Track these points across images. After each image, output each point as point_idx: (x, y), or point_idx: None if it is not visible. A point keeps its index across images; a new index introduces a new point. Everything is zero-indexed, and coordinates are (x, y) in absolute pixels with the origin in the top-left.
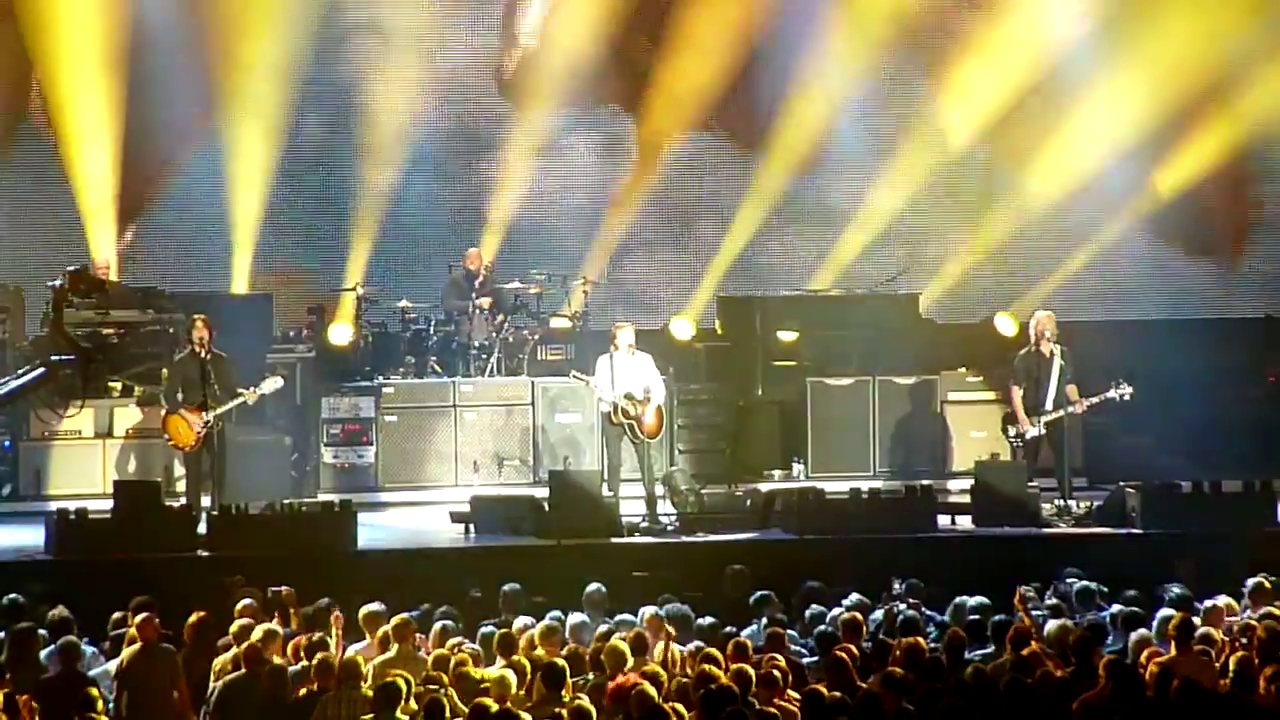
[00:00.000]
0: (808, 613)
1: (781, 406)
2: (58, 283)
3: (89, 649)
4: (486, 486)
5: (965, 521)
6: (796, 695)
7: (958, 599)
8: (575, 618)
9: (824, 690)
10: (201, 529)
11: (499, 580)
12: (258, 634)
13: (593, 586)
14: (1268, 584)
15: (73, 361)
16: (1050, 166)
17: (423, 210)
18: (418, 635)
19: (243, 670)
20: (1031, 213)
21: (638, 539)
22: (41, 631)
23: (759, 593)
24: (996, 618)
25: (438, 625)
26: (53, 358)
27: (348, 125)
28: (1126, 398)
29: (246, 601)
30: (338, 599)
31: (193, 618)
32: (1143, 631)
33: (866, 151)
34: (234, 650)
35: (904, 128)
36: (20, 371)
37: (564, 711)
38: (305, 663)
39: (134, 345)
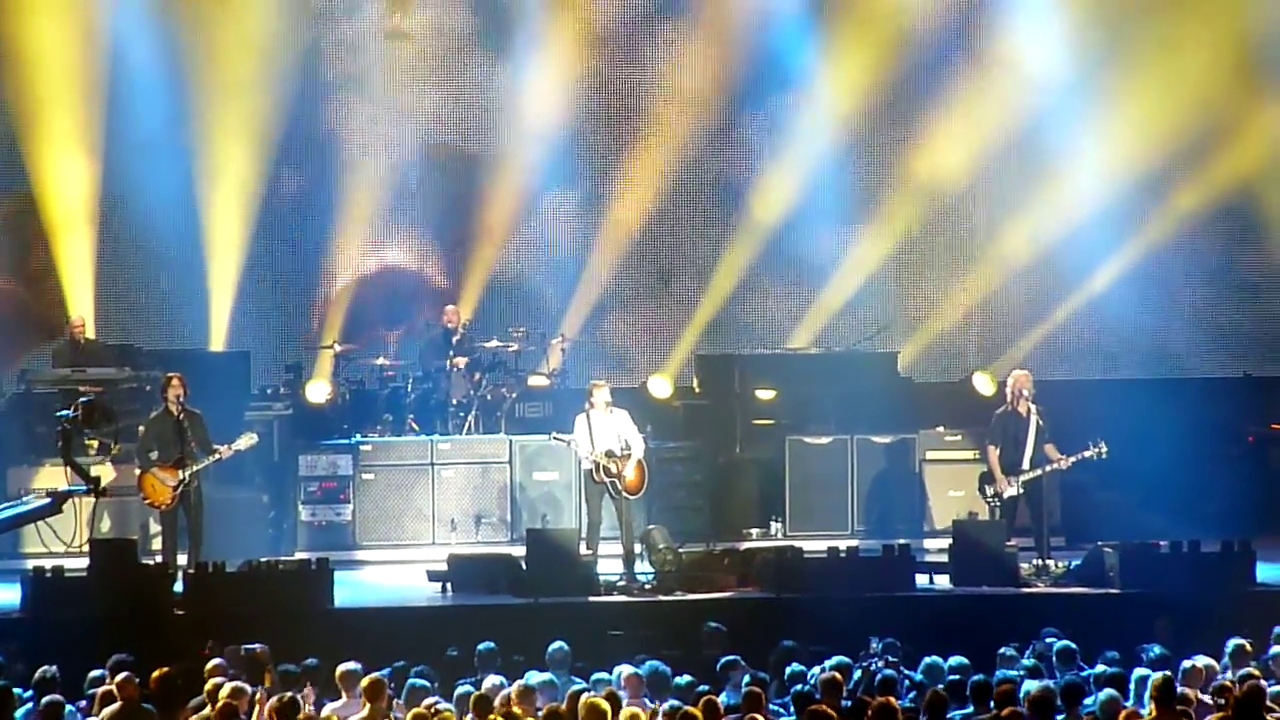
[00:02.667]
0: (787, 671)
1: (760, 465)
2: (69, 414)
3: (69, 707)
4: (464, 545)
5: (943, 581)
6: None
7: (928, 659)
8: (540, 677)
9: None
10: (178, 587)
11: (476, 639)
12: (226, 691)
13: (555, 645)
14: (1248, 646)
15: (83, 493)
16: (1029, 223)
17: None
18: (390, 695)
19: None
20: (1009, 271)
21: (615, 597)
22: (18, 691)
23: (726, 657)
24: (975, 677)
25: (412, 684)
26: (62, 490)
27: (325, 181)
28: (1103, 457)
29: (217, 662)
30: (314, 657)
31: (156, 673)
32: (1110, 691)
33: (845, 209)
34: (207, 710)
35: (882, 185)
36: (24, 500)
37: None
38: None
39: (110, 402)
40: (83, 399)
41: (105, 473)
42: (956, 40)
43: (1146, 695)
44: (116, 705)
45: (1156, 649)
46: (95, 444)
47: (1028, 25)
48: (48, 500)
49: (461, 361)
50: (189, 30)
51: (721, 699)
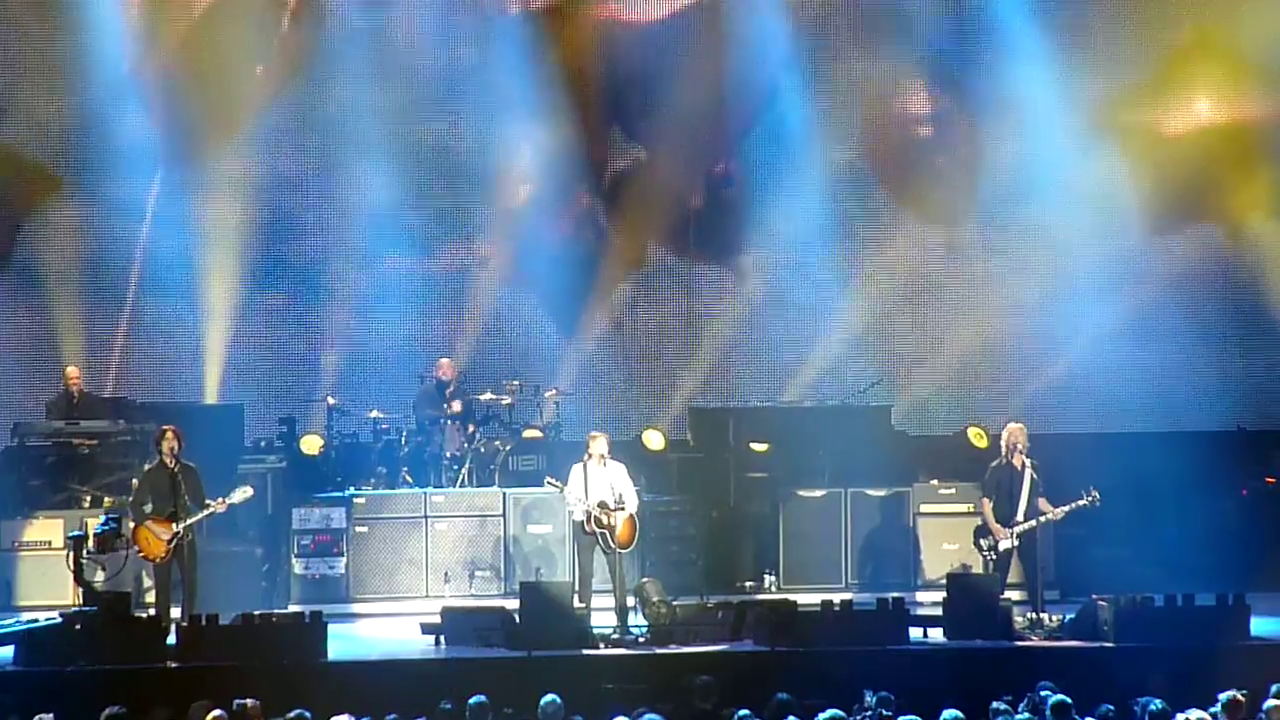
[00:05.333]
0: None
1: (754, 518)
2: (76, 534)
3: None
4: (457, 597)
5: (937, 634)
6: None
7: None
8: None
9: None
10: (171, 640)
11: (469, 692)
12: None
13: (547, 699)
14: (1240, 697)
15: (92, 613)
16: (1023, 276)
17: (395, 319)
18: None
19: None
20: (1004, 325)
21: (609, 650)
22: None
23: (740, 711)
24: None
25: None
26: (72, 611)
27: (318, 230)
28: (1097, 505)
29: (217, 713)
30: (308, 710)
31: None
32: None
33: (838, 262)
34: None
35: (877, 239)
36: (35, 620)
37: None
38: None
39: (104, 455)
40: (97, 528)
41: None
42: (947, 89)
43: None
44: None
45: (1155, 703)
46: (88, 496)
47: (1021, 72)
48: (56, 619)
49: (457, 405)
50: (182, 94)
51: None
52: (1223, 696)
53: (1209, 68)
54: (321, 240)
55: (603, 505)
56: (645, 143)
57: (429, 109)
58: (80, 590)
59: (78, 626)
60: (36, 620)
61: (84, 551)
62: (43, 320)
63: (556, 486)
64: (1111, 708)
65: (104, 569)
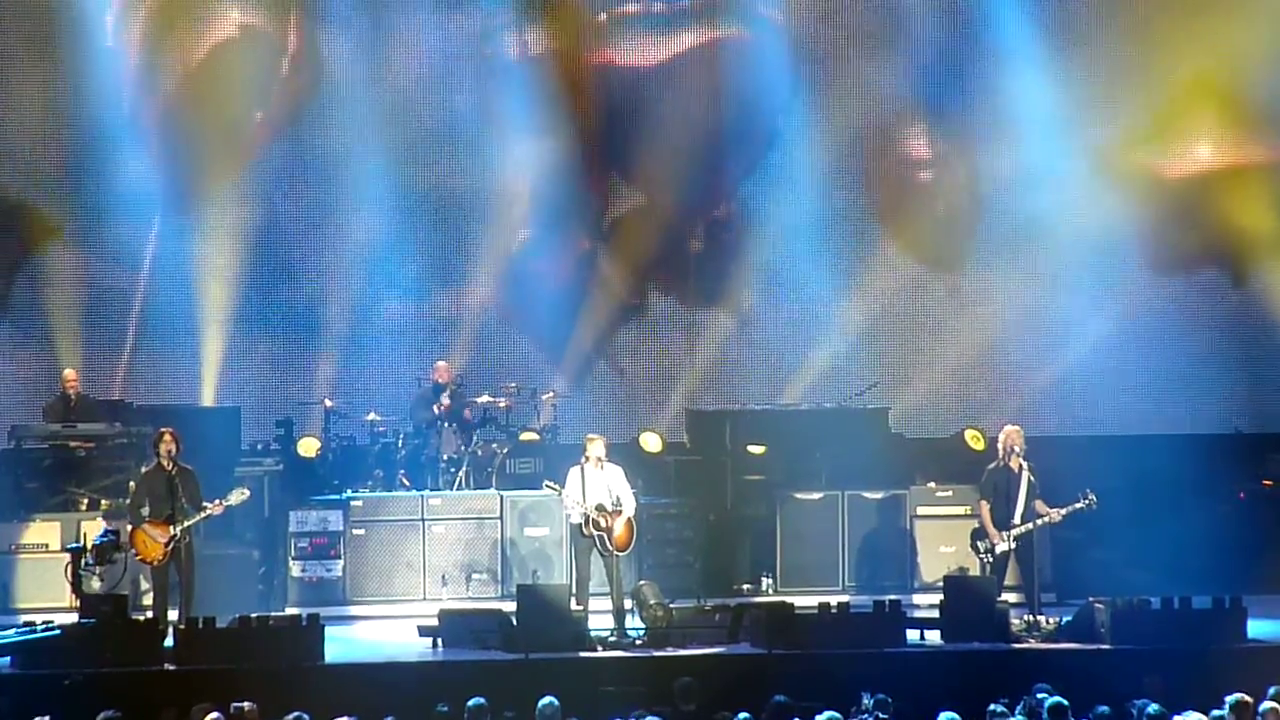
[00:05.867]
0: None
1: (751, 521)
2: (75, 546)
3: None
4: (455, 600)
5: (934, 636)
6: None
7: None
8: None
9: None
10: (168, 643)
11: (467, 695)
12: None
13: (545, 701)
14: (1248, 699)
15: (90, 625)
16: (1020, 278)
17: (392, 323)
18: None
19: None
20: (1001, 327)
21: (606, 653)
22: None
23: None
24: None
25: None
26: (71, 623)
27: (318, 236)
28: (1094, 508)
29: (213, 717)
30: (305, 713)
31: None
32: None
33: (834, 264)
34: None
35: (873, 242)
36: (34, 627)
37: None
38: None
39: (101, 458)
40: (96, 539)
41: (97, 529)
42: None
43: None
44: None
45: (1153, 706)
46: (85, 499)
47: (1011, 81)
48: (55, 629)
49: (447, 400)
50: (181, 139)
51: None
52: (1232, 698)
53: (1209, 111)
54: (319, 284)
55: (600, 508)
56: (644, 187)
57: (427, 154)
58: (78, 602)
59: (76, 640)
60: (34, 629)
61: (82, 562)
62: (41, 325)
63: (554, 489)
64: (1107, 710)
65: (102, 580)
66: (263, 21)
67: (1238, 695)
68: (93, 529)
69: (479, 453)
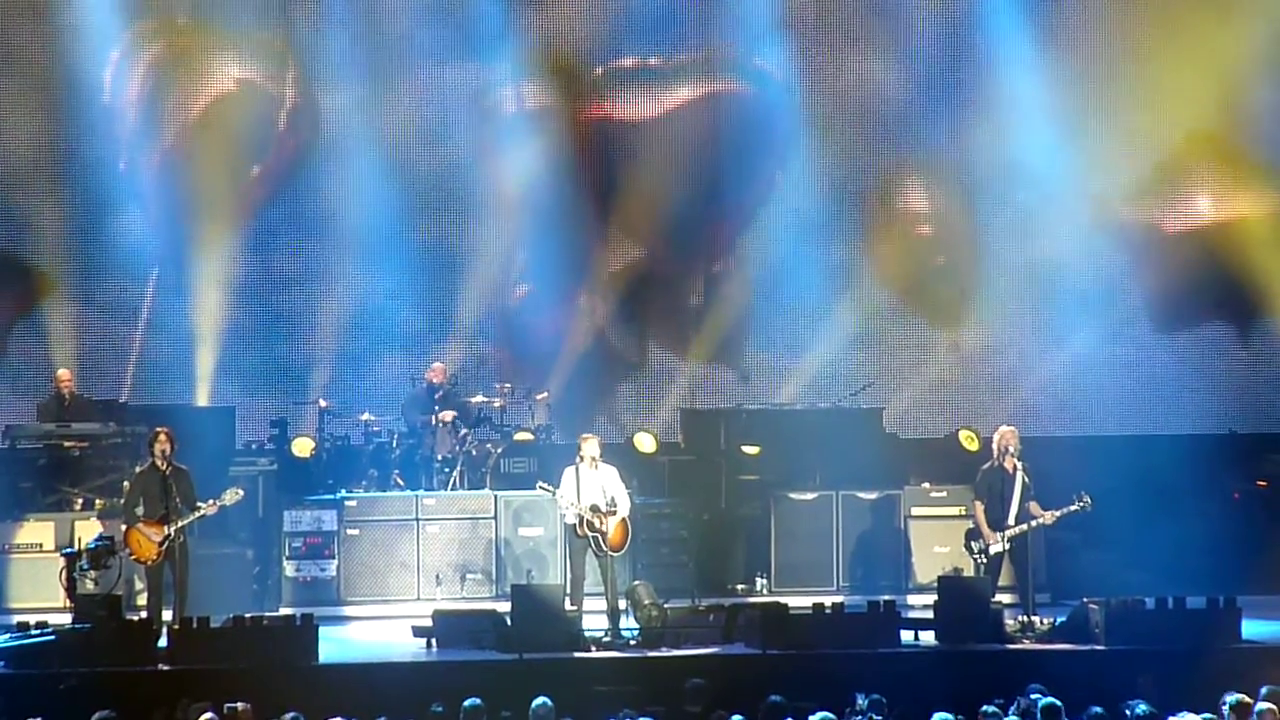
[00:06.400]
0: None
1: (745, 521)
2: (70, 550)
3: None
4: (449, 600)
5: (928, 637)
6: None
7: None
8: None
9: None
10: (162, 643)
11: (461, 695)
12: None
13: (538, 701)
14: (1247, 700)
15: (85, 629)
16: (1014, 278)
17: (387, 323)
18: None
19: None
20: (995, 327)
21: (600, 653)
22: None
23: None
24: None
25: None
26: (66, 627)
27: (315, 237)
28: (1088, 509)
29: (207, 716)
30: (299, 713)
31: None
32: None
33: (829, 264)
34: None
35: (869, 239)
36: (29, 633)
37: None
38: None
39: (95, 458)
40: (90, 543)
41: (90, 528)
42: (940, 98)
43: None
44: None
45: (1142, 706)
46: (79, 499)
47: (1010, 81)
48: (49, 634)
49: (448, 416)
50: (175, 147)
51: None
52: (1231, 698)
53: (1209, 165)
54: (316, 339)
55: (595, 509)
56: (643, 241)
57: (425, 208)
58: (73, 606)
59: (70, 644)
60: (28, 634)
61: (76, 567)
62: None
63: (548, 490)
64: (1100, 710)
65: (96, 584)
66: (260, 76)
67: (1236, 695)
68: (87, 529)
69: (473, 452)
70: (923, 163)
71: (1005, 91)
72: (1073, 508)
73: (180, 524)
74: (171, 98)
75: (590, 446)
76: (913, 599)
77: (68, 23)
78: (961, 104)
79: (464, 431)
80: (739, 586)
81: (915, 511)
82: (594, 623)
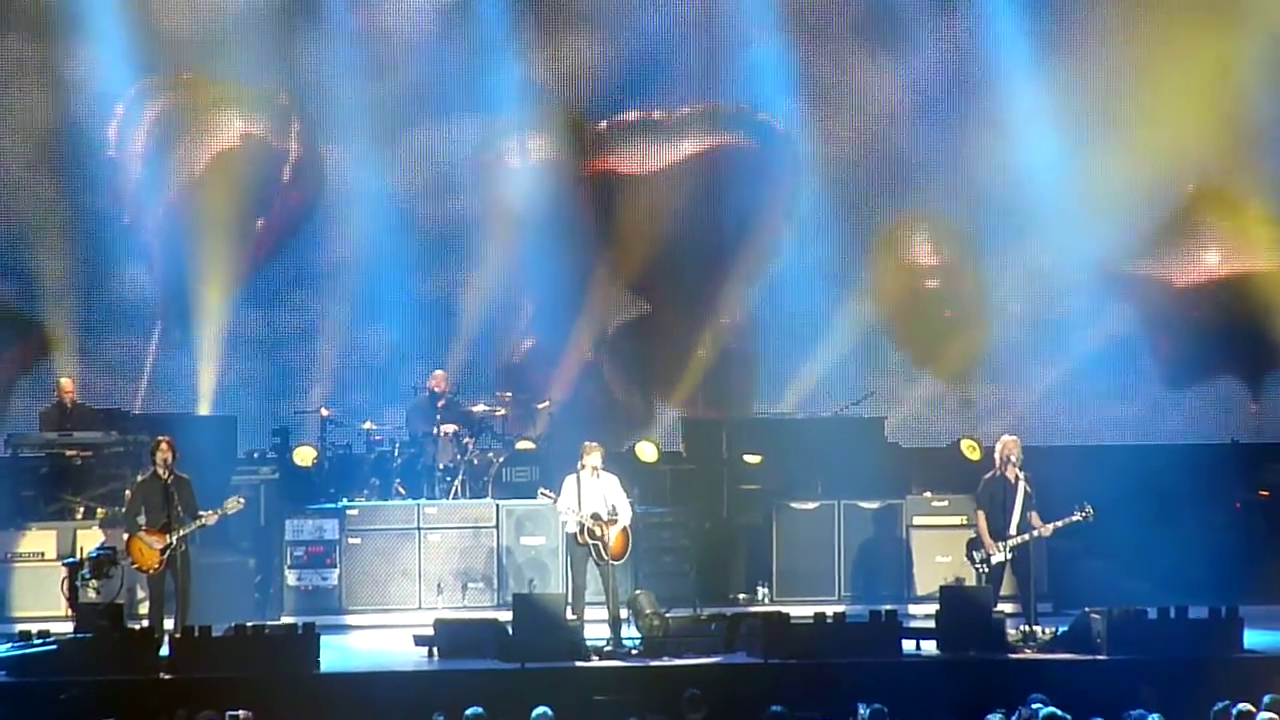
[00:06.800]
0: None
1: (747, 530)
2: (71, 560)
3: None
4: (450, 609)
5: (930, 646)
6: None
7: None
8: None
9: None
10: (164, 651)
11: (462, 704)
12: None
13: (539, 711)
14: (1251, 709)
15: (87, 640)
16: (1017, 287)
17: (389, 332)
18: None
19: None
20: (998, 336)
21: (602, 662)
22: None
23: None
24: None
25: None
26: (67, 637)
27: (314, 247)
28: (1090, 520)
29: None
30: None
31: None
32: None
33: (832, 274)
34: None
35: (871, 251)
36: (32, 643)
37: None
38: None
39: (97, 466)
40: (92, 552)
41: (92, 537)
42: (943, 109)
43: None
44: None
45: (1147, 717)
46: (81, 508)
47: (1013, 94)
48: (51, 644)
49: (450, 429)
50: (180, 202)
51: None
52: (1236, 709)
53: (1216, 219)
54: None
55: (596, 517)
56: (648, 295)
57: (429, 264)
58: (75, 615)
59: (72, 654)
60: (30, 644)
61: (78, 577)
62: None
63: (549, 497)
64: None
65: (98, 593)
66: (264, 130)
67: (1242, 706)
68: (89, 538)
69: (475, 461)
70: (929, 216)
71: (1014, 147)
72: (1075, 518)
73: (182, 533)
74: (176, 152)
75: (592, 456)
76: (914, 608)
77: (72, 77)
78: (968, 157)
79: (466, 440)
80: (740, 596)
81: (917, 521)
82: (595, 632)
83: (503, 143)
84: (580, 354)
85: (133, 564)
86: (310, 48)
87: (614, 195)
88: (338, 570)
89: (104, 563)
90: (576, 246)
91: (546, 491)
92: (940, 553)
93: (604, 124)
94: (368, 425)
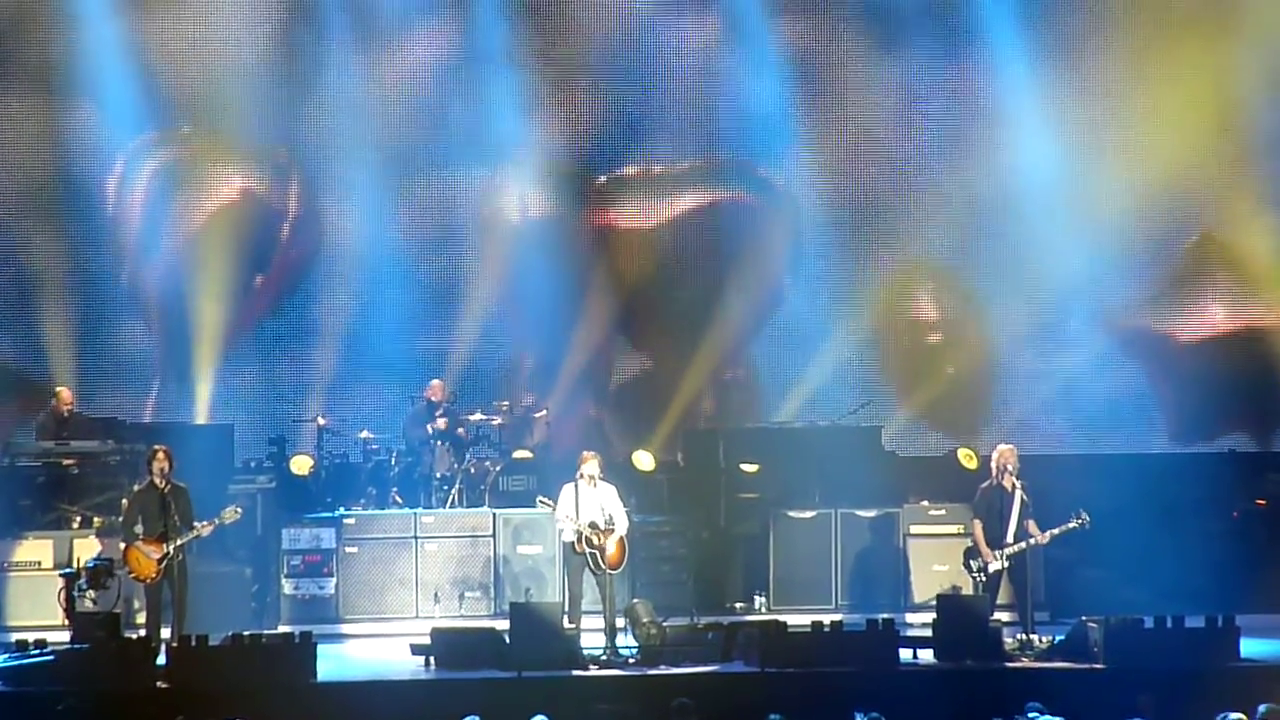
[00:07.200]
0: None
1: (744, 539)
2: (68, 571)
3: None
4: (447, 618)
5: (927, 655)
6: None
7: None
8: None
9: None
10: (161, 660)
11: (459, 713)
12: None
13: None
14: (1244, 718)
15: (84, 650)
16: (1014, 297)
17: (386, 340)
18: None
19: None
20: (995, 346)
21: (599, 671)
22: None
23: None
24: None
25: None
26: (64, 647)
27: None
28: (1087, 527)
29: None
30: None
31: None
32: None
33: (830, 282)
34: None
35: (868, 259)
36: (29, 653)
37: None
38: None
39: (94, 475)
40: (89, 563)
41: (89, 546)
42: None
43: None
44: None
45: None
46: (78, 517)
47: (1010, 102)
48: (49, 654)
49: (444, 423)
50: (178, 257)
51: None
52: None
53: (1222, 274)
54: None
55: (593, 526)
56: (650, 350)
57: (429, 320)
58: (71, 625)
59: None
60: (27, 655)
61: (75, 587)
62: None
63: (548, 505)
64: None
65: (95, 604)
66: (263, 186)
67: (1235, 715)
68: (85, 547)
69: (472, 470)
70: (931, 269)
71: (1017, 198)
72: (1071, 525)
73: (179, 542)
74: (175, 207)
75: (590, 465)
76: (911, 617)
77: (72, 132)
78: (969, 211)
79: (462, 449)
80: (738, 605)
81: (914, 529)
82: (592, 641)
83: (503, 197)
84: (582, 412)
85: (130, 573)
86: (310, 104)
87: (615, 250)
88: (334, 579)
89: (101, 573)
90: (578, 302)
91: (545, 500)
92: (937, 561)
93: (603, 178)
94: (364, 434)
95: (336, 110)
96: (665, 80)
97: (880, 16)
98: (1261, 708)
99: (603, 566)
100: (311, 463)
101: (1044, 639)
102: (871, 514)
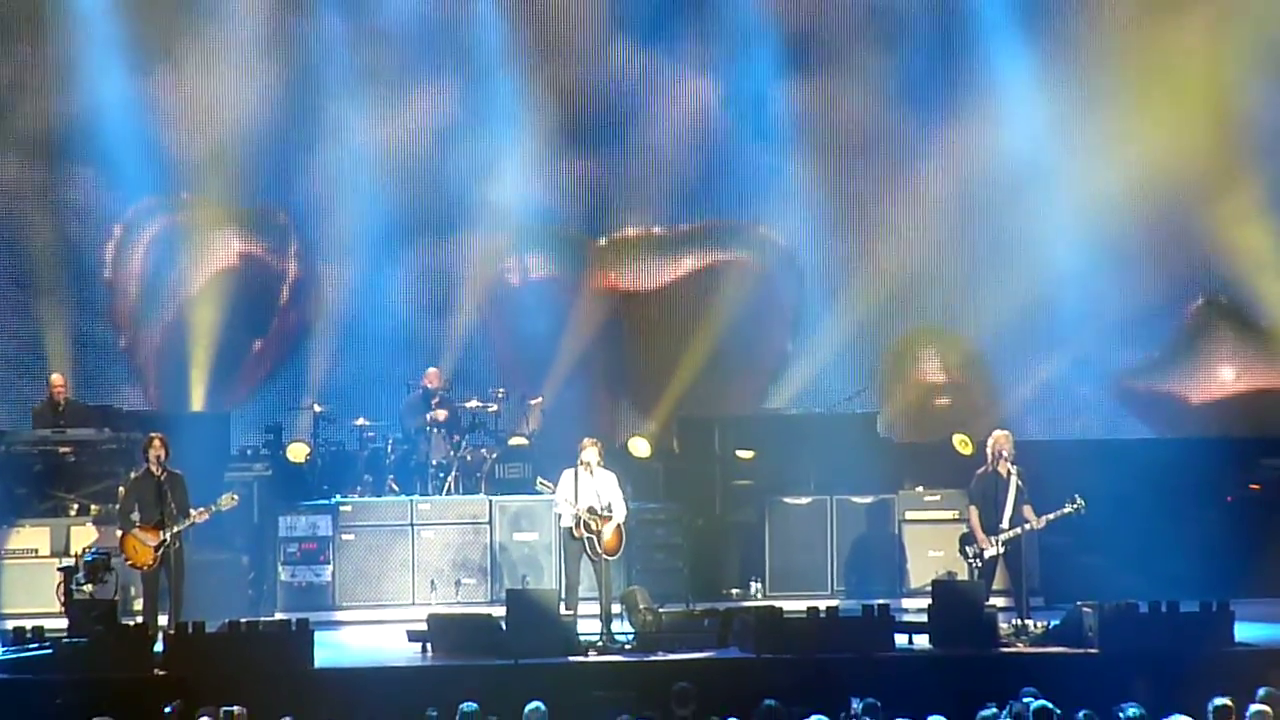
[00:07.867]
0: None
1: (739, 526)
2: (66, 564)
3: None
4: (444, 605)
5: (923, 641)
6: None
7: None
8: None
9: None
10: (158, 648)
11: (456, 700)
12: None
13: (531, 706)
14: (1231, 704)
15: (82, 644)
16: (1009, 284)
17: (382, 328)
18: None
19: None
20: (990, 331)
21: (595, 658)
22: None
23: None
24: None
25: None
26: (64, 640)
27: (307, 242)
28: (1082, 512)
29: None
30: (294, 718)
31: None
32: None
33: (825, 267)
34: None
35: (863, 242)
36: (27, 647)
37: None
38: None
39: (90, 463)
40: (87, 556)
41: (85, 534)
42: (932, 100)
43: None
44: None
45: (1133, 709)
46: (75, 504)
47: (1000, 86)
48: (47, 648)
49: (442, 415)
50: (177, 322)
51: None
52: (1214, 703)
53: (1227, 334)
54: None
55: (591, 511)
56: (654, 414)
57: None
58: (69, 618)
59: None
60: (25, 648)
61: (74, 580)
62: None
63: (548, 487)
64: (1089, 712)
65: (93, 597)
66: (262, 250)
67: (1220, 700)
68: (82, 534)
69: (468, 458)
70: (939, 333)
71: (1025, 252)
72: (1066, 510)
73: (176, 529)
74: (173, 272)
75: (589, 452)
76: (907, 603)
77: (69, 199)
78: (976, 273)
79: (458, 436)
80: (733, 591)
81: (909, 515)
82: (589, 627)
83: (503, 259)
84: (578, 399)
85: (127, 561)
86: (309, 168)
87: (617, 312)
88: (331, 566)
89: (99, 567)
90: (579, 364)
91: (545, 481)
92: (933, 547)
93: (604, 240)
94: (360, 421)
95: (335, 174)
96: (666, 141)
97: (881, 78)
98: (1261, 690)
99: (599, 553)
100: (308, 450)
101: (1039, 624)
102: (867, 500)
